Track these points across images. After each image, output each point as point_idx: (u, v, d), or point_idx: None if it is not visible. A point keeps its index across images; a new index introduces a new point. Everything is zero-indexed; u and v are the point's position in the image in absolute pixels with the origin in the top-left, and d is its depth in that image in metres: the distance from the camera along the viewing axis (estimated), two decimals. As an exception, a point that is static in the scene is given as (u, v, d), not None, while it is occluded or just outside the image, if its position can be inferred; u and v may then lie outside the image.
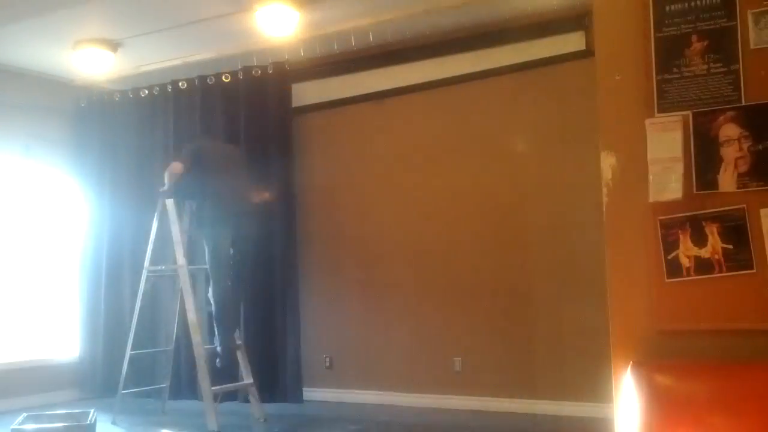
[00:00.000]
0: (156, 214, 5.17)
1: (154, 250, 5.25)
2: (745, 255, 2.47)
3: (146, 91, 6.16)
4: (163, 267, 5.28)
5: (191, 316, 4.87)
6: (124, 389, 5.22)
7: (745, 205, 2.48)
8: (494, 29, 5.24)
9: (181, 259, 4.96)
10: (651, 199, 2.58)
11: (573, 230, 4.94)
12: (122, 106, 6.30)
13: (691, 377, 2.43)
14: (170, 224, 5.04)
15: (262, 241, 5.39)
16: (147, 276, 5.22)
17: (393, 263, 5.67)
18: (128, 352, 5.17)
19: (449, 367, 5.42)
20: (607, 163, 2.71)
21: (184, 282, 4.93)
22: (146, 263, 5.21)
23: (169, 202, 5.04)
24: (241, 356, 5.12)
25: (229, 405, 5.42)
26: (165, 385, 5.42)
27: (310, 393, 5.68)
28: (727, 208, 2.50)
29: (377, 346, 5.71)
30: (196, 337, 4.82)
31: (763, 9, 2.48)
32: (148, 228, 6.01)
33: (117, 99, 6.33)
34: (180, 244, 4.98)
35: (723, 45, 2.53)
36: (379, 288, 5.71)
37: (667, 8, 2.61)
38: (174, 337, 5.42)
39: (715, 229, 2.51)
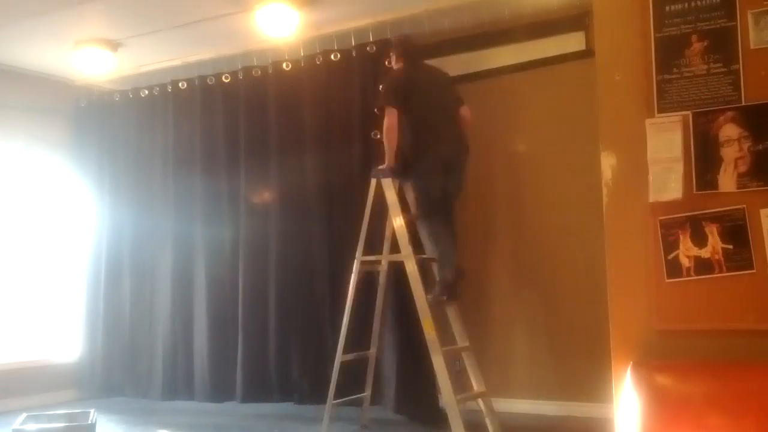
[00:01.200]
0: (369, 198, 4.56)
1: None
2: (745, 255, 2.47)
3: (146, 91, 6.15)
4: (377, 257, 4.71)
5: (422, 305, 4.22)
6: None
7: (745, 206, 2.48)
8: (494, 29, 5.24)
9: (407, 248, 4.37)
10: (651, 199, 2.59)
11: (573, 230, 4.93)
12: (122, 106, 6.30)
13: (691, 377, 2.43)
14: (389, 208, 4.44)
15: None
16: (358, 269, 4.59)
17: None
18: (339, 358, 4.56)
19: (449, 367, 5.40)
20: (607, 163, 2.72)
21: (411, 272, 4.32)
22: (358, 253, 4.61)
23: (387, 182, 4.43)
24: (468, 360, 4.48)
25: (228, 405, 5.43)
26: (366, 393, 4.82)
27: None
28: (727, 208, 2.50)
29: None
30: (431, 333, 4.15)
31: (763, 9, 2.49)
32: (148, 228, 6.05)
33: (117, 99, 6.32)
34: (404, 231, 4.37)
35: (723, 45, 2.53)
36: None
37: (667, 8, 2.61)
38: (377, 338, 4.83)
39: (715, 229, 2.51)
